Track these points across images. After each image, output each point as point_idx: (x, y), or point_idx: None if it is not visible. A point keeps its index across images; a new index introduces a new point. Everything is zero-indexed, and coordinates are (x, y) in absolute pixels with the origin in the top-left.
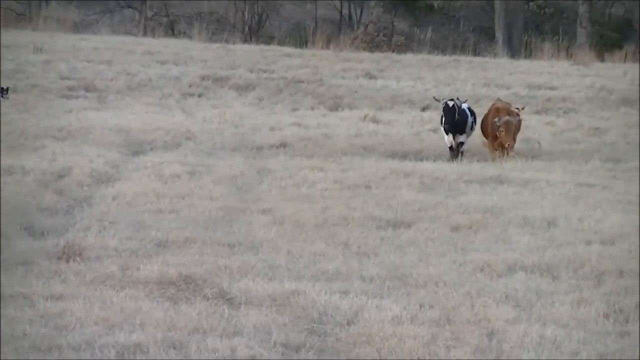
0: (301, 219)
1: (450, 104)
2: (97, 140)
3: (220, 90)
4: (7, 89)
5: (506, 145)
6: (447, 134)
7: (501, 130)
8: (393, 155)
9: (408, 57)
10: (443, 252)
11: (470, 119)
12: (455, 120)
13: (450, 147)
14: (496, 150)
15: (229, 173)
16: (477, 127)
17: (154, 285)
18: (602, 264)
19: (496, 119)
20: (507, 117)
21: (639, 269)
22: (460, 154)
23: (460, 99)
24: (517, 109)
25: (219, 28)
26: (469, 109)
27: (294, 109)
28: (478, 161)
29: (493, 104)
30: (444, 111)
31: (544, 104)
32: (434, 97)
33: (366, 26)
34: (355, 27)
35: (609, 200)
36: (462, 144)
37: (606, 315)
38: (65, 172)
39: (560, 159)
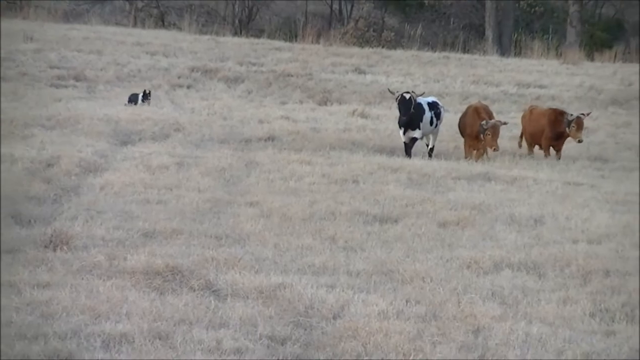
0: (288, 212)
1: (407, 96)
2: (85, 130)
3: (209, 82)
4: None
5: (492, 149)
6: (400, 127)
7: (488, 134)
8: (381, 150)
9: (398, 52)
10: (430, 248)
11: (427, 115)
12: (410, 113)
13: (405, 144)
14: (473, 149)
15: (217, 165)
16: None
17: (140, 275)
18: (589, 263)
19: (483, 122)
20: (494, 121)
21: (625, 268)
22: (429, 154)
23: (415, 92)
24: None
25: (209, 20)
26: (432, 103)
27: (283, 103)
28: (466, 158)
29: (471, 105)
30: (399, 104)
31: (533, 102)
32: (388, 90)
33: (356, 21)
34: (346, 22)
35: (596, 200)
36: (415, 139)
37: (592, 314)
38: (54, 161)
39: (548, 157)
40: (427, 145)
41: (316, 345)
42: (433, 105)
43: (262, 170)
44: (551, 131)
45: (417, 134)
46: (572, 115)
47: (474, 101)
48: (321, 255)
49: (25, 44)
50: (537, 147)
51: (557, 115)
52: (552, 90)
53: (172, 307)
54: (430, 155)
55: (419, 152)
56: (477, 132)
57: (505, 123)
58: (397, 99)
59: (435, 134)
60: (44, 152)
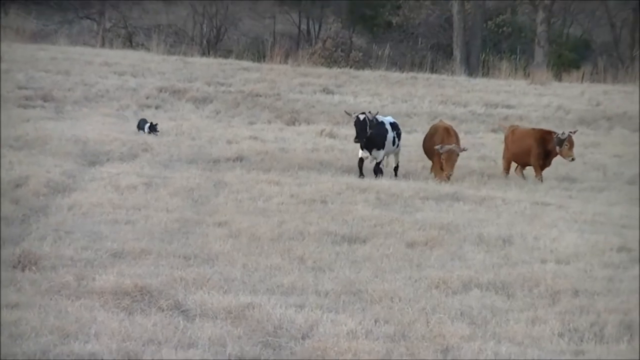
0: (257, 232)
1: (362, 117)
2: (54, 151)
3: (177, 103)
4: None
5: (445, 175)
6: (361, 148)
7: (443, 158)
8: (349, 170)
9: (366, 73)
10: (398, 268)
11: (390, 135)
12: (368, 134)
13: (360, 160)
14: (442, 171)
15: (185, 185)
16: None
17: (109, 295)
18: (557, 283)
19: (438, 146)
20: (449, 147)
21: (593, 288)
22: (380, 173)
23: (372, 112)
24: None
25: (177, 40)
26: (393, 124)
27: (251, 123)
28: (433, 178)
29: (435, 125)
30: (355, 125)
31: (501, 122)
32: (345, 111)
33: (324, 41)
34: (314, 42)
35: (564, 220)
36: (379, 161)
37: (561, 334)
38: (22, 181)
39: (517, 177)
40: (388, 164)
41: None
42: (394, 126)
43: (230, 190)
44: (539, 150)
45: (381, 154)
46: (563, 133)
47: (440, 121)
48: (290, 275)
49: None
50: (514, 167)
51: (544, 135)
52: (520, 110)
53: (140, 327)
54: (395, 174)
55: (387, 172)
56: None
57: (464, 149)
58: (353, 120)
59: (397, 154)
60: (12, 172)
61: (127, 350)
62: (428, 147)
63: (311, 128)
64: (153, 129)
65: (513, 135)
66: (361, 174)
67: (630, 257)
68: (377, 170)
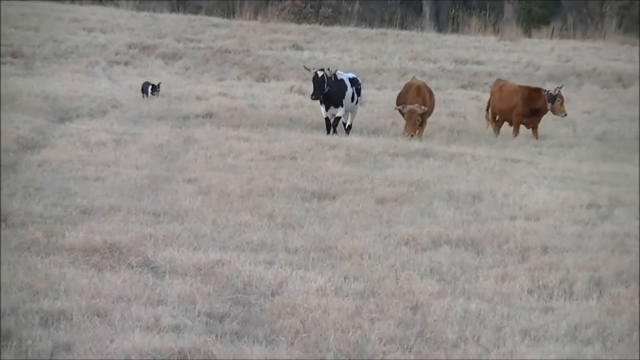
0: (227, 189)
1: (320, 73)
2: (23, 107)
3: (146, 59)
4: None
5: (407, 135)
6: (321, 104)
7: (405, 119)
8: (319, 127)
9: (335, 29)
10: (368, 225)
11: (349, 91)
12: (326, 91)
13: (326, 119)
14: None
15: (154, 142)
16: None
17: (78, 252)
18: (527, 240)
19: (400, 106)
20: (410, 107)
21: (563, 244)
22: (342, 128)
23: (331, 69)
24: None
25: None
26: (353, 79)
27: (221, 79)
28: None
29: (409, 82)
30: (312, 81)
31: (470, 78)
32: (304, 66)
33: None
34: None
35: (534, 176)
36: (338, 117)
37: (530, 291)
38: None
39: (486, 133)
40: (344, 123)
41: (254, 322)
42: (354, 82)
43: (200, 147)
44: (525, 109)
45: (340, 111)
46: (556, 90)
47: (411, 77)
48: (259, 232)
49: None
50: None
51: (532, 92)
52: (490, 66)
53: (110, 284)
54: (347, 132)
55: (356, 129)
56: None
57: (425, 110)
58: (312, 76)
59: (354, 111)
60: None
61: (96, 307)
62: (399, 104)
63: (281, 84)
64: (155, 89)
65: (500, 92)
66: (328, 132)
67: (599, 213)
68: (336, 126)
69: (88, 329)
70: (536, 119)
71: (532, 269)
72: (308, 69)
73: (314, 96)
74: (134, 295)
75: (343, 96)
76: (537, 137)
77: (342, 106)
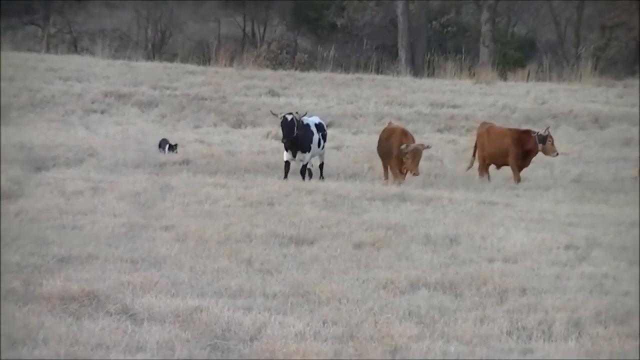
0: (204, 235)
1: (289, 117)
2: None
3: (123, 107)
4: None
5: (412, 174)
6: (286, 150)
7: (408, 158)
8: (296, 172)
9: (311, 74)
10: (346, 269)
11: (315, 136)
12: (295, 135)
13: (286, 163)
14: (401, 173)
15: (131, 189)
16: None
17: (56, 300)
18: (505, 282)
19: (403, 146)
20: (415, 145)
21: (541, 286)
22: (309, 175)
23: (299, 113)
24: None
25: (122, 45)
26: (319, 125)
27: (197, 126)
28: (379, 179)
29: (388, 127)
30: (281, 126)
31: (447, 122)
32: (271, 112)
33: (269, 44)
34: (259, 44)
35: (511, 218)
36: (305, 165)
37: (509, 333)
38: None
39: (463, 177)
40: (307, 167)
41: None
42: (320, 127)
43: (177, 194)
44: (518, 151)
45: (307, 157)
46: (545, 131)
47: (388, 122)
48: (237, 278)
49: None
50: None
51: (522, 134)
52: (466, 109)
53: (88, 331)
54: (321, 173)
55: (333, 174)
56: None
57: (428, 147)
58: (280, 120)
59: (322, 155)
60: None
61: (75, 355)
62: (384, 151)
63: (257, 131)
64: (172, 149)
65: (489, 135)
66: (285, 177)
67: (577, 254)
68: (304, 172)
69: None
70: (527, 161)
71: (510, 311)
72: (275, 115)
73: (286, 140)
74: (113, 343)
75: (311, 141)
76: (519, 180)
77: (309, 151)
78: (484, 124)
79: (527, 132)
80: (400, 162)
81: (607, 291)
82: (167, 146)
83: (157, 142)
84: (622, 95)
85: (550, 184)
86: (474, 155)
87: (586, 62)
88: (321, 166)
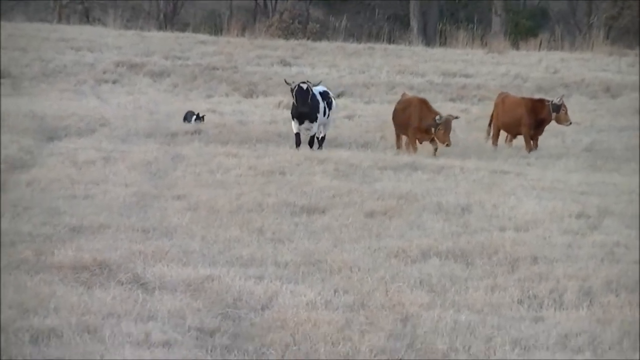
0: (216, 205)
1: (304, 86)
2: (11, 127)
3: (134, 77)
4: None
5: (445, 145)
6: (293, 118)
7: (440, 129)
8: (307, 141)
9: (323, 44)
10: (357, 238)
11: (321, 105)
12: (309, 104)
13: (297, 134)
14: (419, 142)
15: (143, 159)
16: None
17: (68, 270)
18: (516, 250)
19: (437, 117)
20: (447, 116)
21: (552, 255)
22: (320, 144)
23: (310, 81)
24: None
25: (133, 15)
26: (323, 93)
27: (209, 96)
28: (391, 148)
29: (404, 98)
30: (295, 95)
31: (459, 91)
32: (285, 81)
33: (281, 14)
34: (271, 14)
35: (523, 187)
36: (313, 133)
37: (520, 301)
38: None
39: (474, 146)
40: (317, 137)
41: (245, 336)
42: (324, 95)
43: (188, 163)
44: (530, 120)
45: (315, 127)
46: (559, 99)
47: (402, 93)
48: (249, 247)
49: None
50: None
51: (535, 103)
52: (478, 79)
53: (100, 301)
54: (320, 146)
55: (345, 143)
56: (426, 125)
57: (457, 117)
58: (293, 89)
59: (327, 125)
60: None
61: (86, 324)
62: (401, 122)
63: (269, 100)
64: (200, 119)
65: (503, 105)
66: (298, 146)
67: (589, 223)
68: (312, 142)
69: (78, 345)
70: (540, 130)
71: (521, 280)
72: (289, 84)
73: (300, 109)
74: (124, 312)
75: (318, 110)
76: (536, 148)
77: (317, 121)
78: (501, 94)
79: (541, 101)
80: (422, 132)
81: (619, 259)
82: (194, 117)
83: (183, 115)
84: (634, 64)
85: (562, 152)
86: (489, 124)
87: (598, 31)
88: (322, 140)
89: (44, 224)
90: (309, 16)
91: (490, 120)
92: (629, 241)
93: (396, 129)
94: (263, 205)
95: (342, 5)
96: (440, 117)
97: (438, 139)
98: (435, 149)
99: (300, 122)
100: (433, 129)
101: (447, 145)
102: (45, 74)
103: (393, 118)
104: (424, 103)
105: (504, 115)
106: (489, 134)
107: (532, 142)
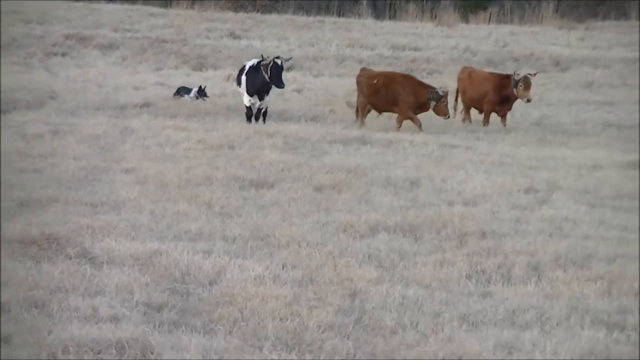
0: (164, 178)
1: (279, 61)
2: None
3: (84, 50)
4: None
5: (446, 117)
6: (251, 95)
7: (443, 101)
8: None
9: (273, 17)
10: (306, 212)
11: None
12: (282, 81)
13: (249, 108)
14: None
15: (92, 132)
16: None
17: (16, 244)
18: (465, 225)
19: (441, 92)
20: (445, 90)
21: (501, 229)
22: (264, 117)
23: (282, 57)
24: (530, 74)
25: None
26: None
27: (158, 69)
28: (341, 122)
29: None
30: (271, 69)
31: (408, 64)
32: (261, 56)
33: None
34: None
35: (471, 161)
36: (261, 109)
37: (468, 276)
38: None
39: (424, 120)
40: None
41: (193, 311)
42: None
43: (137, 136)
44: (496, 96)
45: (266, 101)
46: (518, 74)
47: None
48: (197, 222)
49: None
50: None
51: (503, 80)
52: (427, 52)
53: (48, 275)
54: (264, 120)
55: (294, 117)
56: (425, 99)
57: (535, 73)
58: (268, 64)
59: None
60: None
61: (34, 299)
62: (384, 101)
63: (218, 73)
64: (202, 94)
65: (470, 79)
66: (250, 121)
67: (537, 197)
68: (259, 116)
69: (26, 320)
70: (507, 107)
71: (470, 254)
72: (264, 58)
73: (282, 85)
74: (72, 286)
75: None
76: (504, 125)
77: (268, 95)
78: (465, 68)
79: (508, 77)
80: (412, 107)
81: (567, 234)
82: (196, 91)
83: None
84: (583, 37)
85: (511, 127)
86: (456, 100)
87: (547, 5)
88: (266, 112)
89: None
90: None
91: (456, 96)
92: (578, 216)
93: (374, 108)
94: (212, 179)
95: None
96: (443, 90)
97: (439, 112)
98: (420, 125)
99: (260, 97)
100: (434, 102)
101: (447, 117)
102: None
103: (368, 97)
104: (409, 78)
105: (470, 90)
106: (455, 110)
107: (502, 119)
